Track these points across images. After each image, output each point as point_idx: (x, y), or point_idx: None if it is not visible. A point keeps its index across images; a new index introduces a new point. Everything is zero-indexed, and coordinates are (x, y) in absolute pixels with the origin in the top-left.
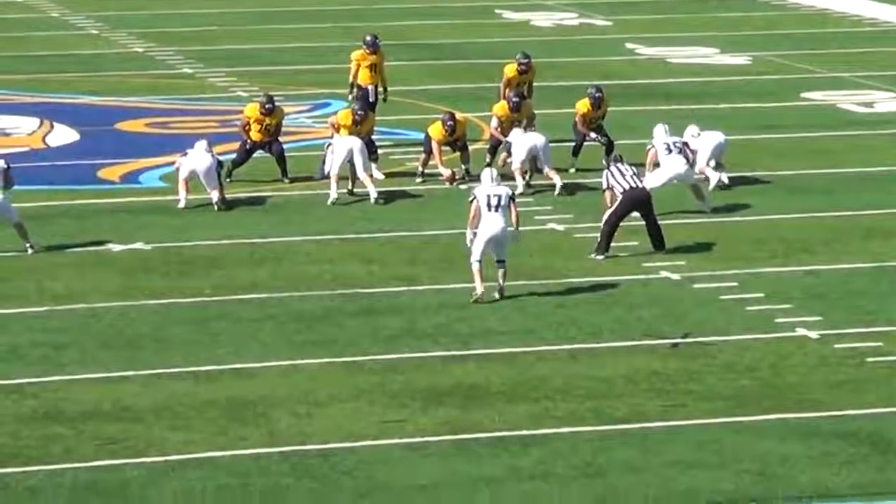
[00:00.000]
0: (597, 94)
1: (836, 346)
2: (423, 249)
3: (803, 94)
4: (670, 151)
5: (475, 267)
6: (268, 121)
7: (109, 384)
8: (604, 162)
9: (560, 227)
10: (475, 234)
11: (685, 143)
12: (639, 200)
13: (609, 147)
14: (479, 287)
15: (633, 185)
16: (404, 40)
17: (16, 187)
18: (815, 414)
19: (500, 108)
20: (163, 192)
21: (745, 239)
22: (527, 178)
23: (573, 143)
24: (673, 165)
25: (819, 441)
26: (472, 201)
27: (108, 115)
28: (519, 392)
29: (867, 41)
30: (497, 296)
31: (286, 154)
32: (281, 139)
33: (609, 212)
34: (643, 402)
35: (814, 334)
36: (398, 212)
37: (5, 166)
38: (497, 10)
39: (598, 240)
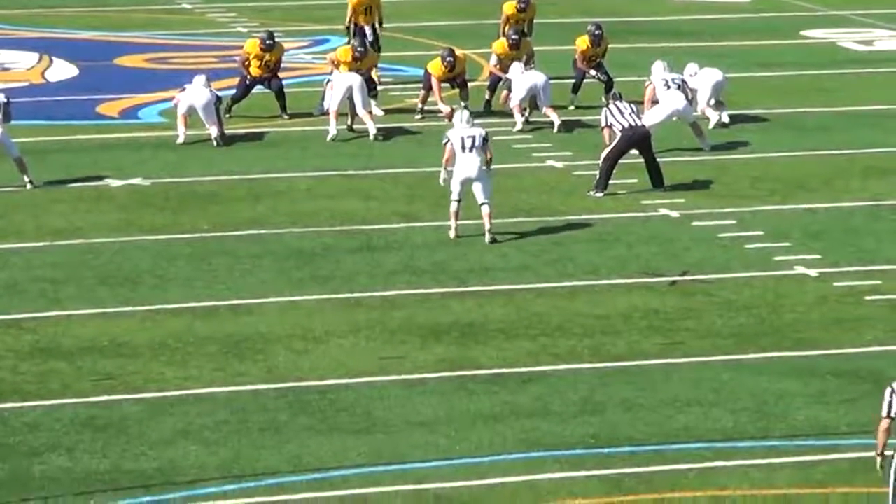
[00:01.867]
0: (596, 32)
1: (835, 284)
2: (422, 186)
3: (803, 32)
4: (669, 88)
5: (453, 207)
6: (268, 57)
7: (107, 320)
8: (603, 99)
9: (559, 165)
10: (450, 174)
11: (684, 81)
12: (638, 138)
13: (608, 84)
14: (453, 228)
15: (632, 123)
16: None
17: (15, 122)
18: (813, 352)
19: (500, 45)
20: (162, 127)
21: (743, 177)
22: (526, 115)
23: (573, 81)
24: (671, 102)
25: (817, 379)
26: (445, 143)
27: (107, 51)
28: (517, 329)
29: None
30: (488, 239)
31: (285, 90)
32: (280, 75)
33: (608, 149)
34: (641, 340)
35: (812, 272)
36: (397, 148)
37: (5, 100)
38: None
39: (598, 177)
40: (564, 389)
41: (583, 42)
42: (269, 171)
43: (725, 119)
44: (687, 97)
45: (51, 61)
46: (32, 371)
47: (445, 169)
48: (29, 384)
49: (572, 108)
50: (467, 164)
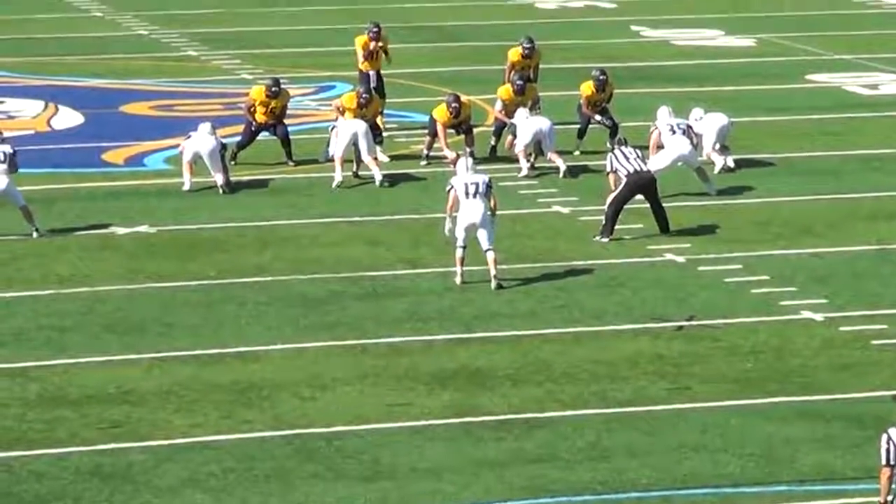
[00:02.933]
0: (601, 77)
1: (841, 328)
2: (428, 232)
3: (808, 77)
4: (674, 133)
5: (458, 254)
6: (273, 103)
7: (114, 367)
8: (608, 145)
9: (564, 210)
10: (454, 221)
11: (689, 126)
12: (643, 184)
13: (613, 130)
14: (459, 275)
15: (638, 169)
16: (410, 22)
17: (21, 170)
18: (819, 397)
19: (505, 91)
20: (167, 174)
21: (749, 221)
22: (531, 161)
23: (578, 126)
24: (676, 147)
25: (823, 424)
26: (449, 190)
27: (112, 98)
28: (523, 375)
29: (872, 23)
30: (494, 285)
31: (291, 136)
32: (286, 121)
33: (613, 195)
34: (647, 385)
35: (818, 317)
36: (403, 194)
37: (11, 151)
38: None
39: (603, 222)
40: (571, 435)
41: (587, 87)
42: (274, 218)
43: (731, 164)
44: (692, 142)
45: (56, 109)
46: (39, 419)
47: (450, 216)
48: (35, 432)
49: (577, 153)
50: (472, 211)
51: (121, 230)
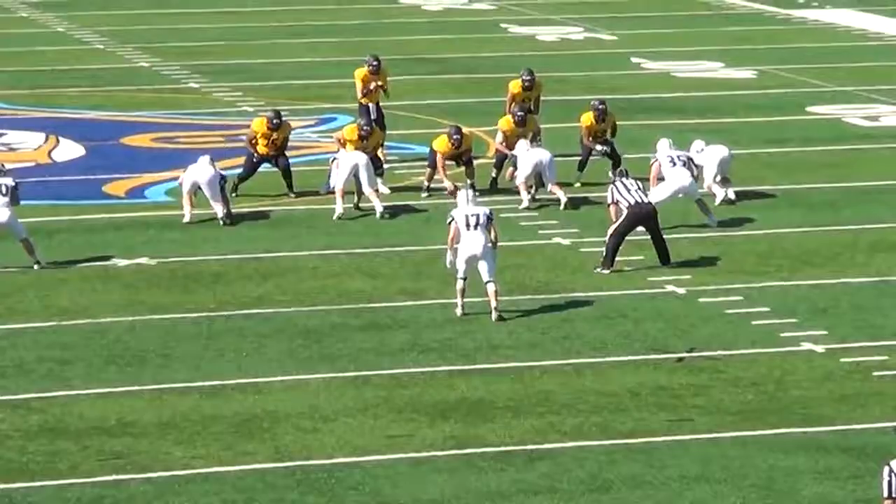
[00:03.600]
0: (600, 107)
1: (842, 360)
2: (429, 264)
3: (809, 108)
4: (674, 165)
5: (459, 285)
6: (275, 135)
7: (115, 399)
8: (610, 175)
9: (565, 242)
10: (455, 253)
11: (689, 158)
12: (644, 215)
13: (615, 161)
14: (459, 306)
15: (639, 200)
16: (411, 55)
17: (22, 202)
18: (820, 428)
19: (505, 122)
20: (168, 206)
21: (750, 253)
22: (532, 192)
23: (579, 158)
24: (677, 179)
25: (825, 455)
26: (450, 223)
27: (113, 130)
28: (524, 406)
29: (872, 55)
30: (495, 317)
31: (292, 168)
32: (287, 153)
33: (614, 227)
34: (649, 417)
35: (819, 348)
36: (404, 226)
37: (13, 184)
38: (503, 25)
39: (604, 254)
40: (572, 467)
41: (587, 118)
42: (275, 249)
43: (731, 196)
44: (692, 174)
45: (57, 141)
46: (40, 451)
47: (451, 248)
48: (36, 464)
49: (578, 185)
50: (472, 243)
51: (122, 262)
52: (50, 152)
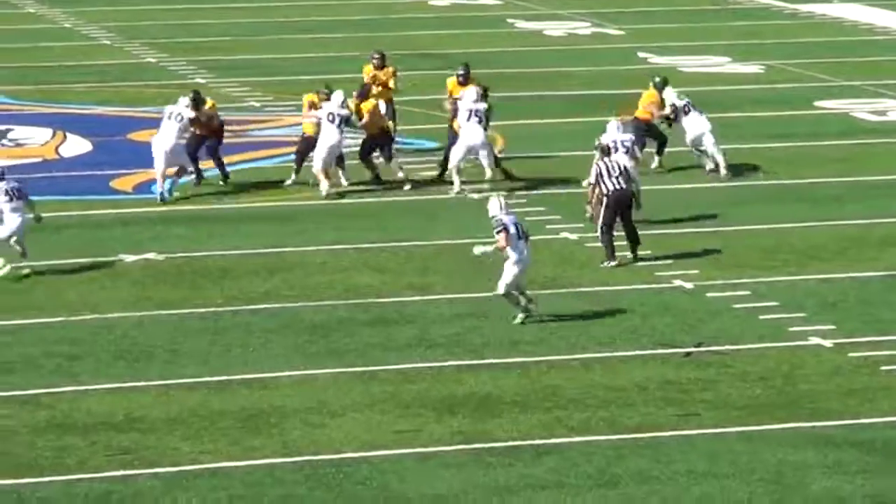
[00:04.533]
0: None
1: (850, 354)
2: (436, 259)
3: (816, 103)
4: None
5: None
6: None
7: (123, 395)
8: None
9: (573, 237)
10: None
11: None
12: (623, 200)
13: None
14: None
15: (617, 187)
16: (418, 50)
17: (30, 198)
18: (829, 422)
19: (451, 83)
20: (175, 202)
21: (758, 248)
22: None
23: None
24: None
25: (833, 450)
26: (500, 231)
27: (120, 126)
28: (532, 401)
29: (880, 50)
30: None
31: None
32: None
33: (601, 219)
34: (656, 412)
35: (827, 343)
36: (411, 222)
37: (17, 185)
38: (510, 20)
39: (604, 249)
40: (580, 462)
41: (652, 95)
42: (282, 245)
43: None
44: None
45: (65, 137)
46: (48, 446)
47: (500, 251)
48: (45, 459)
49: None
50: (525, 254)
51: (129, 257)
52: (57, 148)
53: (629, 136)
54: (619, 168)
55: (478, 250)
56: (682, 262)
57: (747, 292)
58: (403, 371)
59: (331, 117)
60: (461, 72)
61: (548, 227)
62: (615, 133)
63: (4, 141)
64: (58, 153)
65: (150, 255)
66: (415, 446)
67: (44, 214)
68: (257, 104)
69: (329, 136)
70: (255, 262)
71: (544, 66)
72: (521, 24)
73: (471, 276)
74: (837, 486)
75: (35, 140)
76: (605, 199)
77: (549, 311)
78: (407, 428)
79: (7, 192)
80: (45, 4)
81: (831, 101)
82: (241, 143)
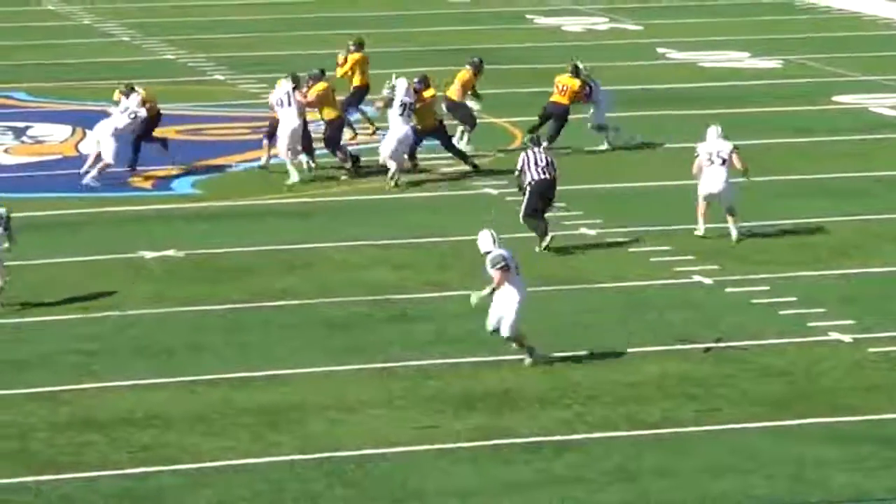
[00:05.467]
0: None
1: (870, 350)
2: (454, 255)
3: (835, 98)
4: (711, 163)
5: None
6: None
7: (143, 391)
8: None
9: (591, 232)
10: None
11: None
12: (545, 188)
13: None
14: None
15: (540, 178)
16: (437, 46)
17: (49, 194)
18: (848, 418)
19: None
20: (195, 198)
21: (777, 243)
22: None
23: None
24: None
25: (853, 445)
26: (501, 267)
27: None
28: (551, 397)
29: None
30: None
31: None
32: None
33: (523, 209)
34: (676, 407)
35: (847, 338)
36: (429, 218)
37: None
38: (528, 16)
39: (536, 234)
40: (599, 457)
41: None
42: (301, 241)
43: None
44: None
45: (84, 134)
46: (68, 443)
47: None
48: (65, 456)
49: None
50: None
51: (148, 254)
52: (77, 145)
53: (728, 146)
54: (546, 159)
55: (475, 298)
56: (701, 257)
57: (766, 287)
58: (422, 367)
59: (401, 108)
60: (475, 60)
61: (566, 222)
62: (715, 140)
63: (24, 138)
64: (77, 150)
65: (170, 252)
66: (434, 442)
67: (62, 211)
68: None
69: (396, 128)
70: (275, 258)
71: (563, 62)
72: (540, 20)
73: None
74: (858, 482)
75: (54, 137)
76: (528, 188)
77: (567, 307)
78: (426, 424)
79: None
80: (64, 1)
81: (849, 95)
82: (259, 139)
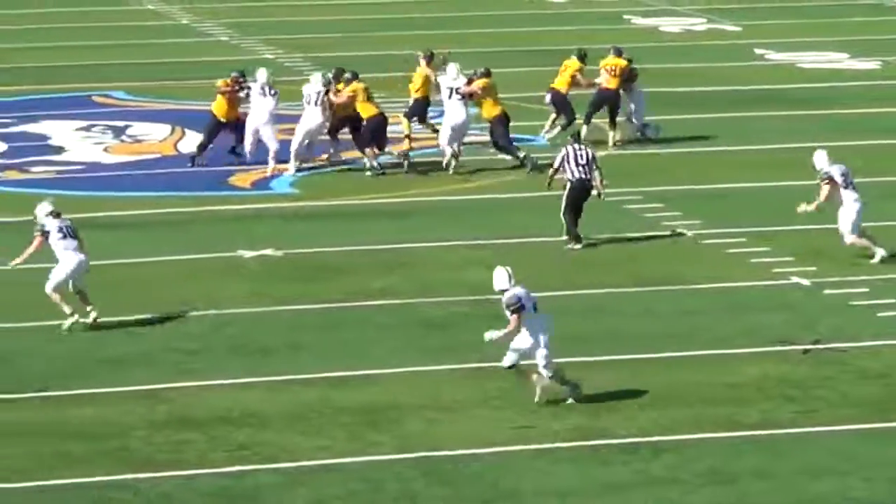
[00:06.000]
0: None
1: None
2: (551, 255)
3: None
4: (846, 187)
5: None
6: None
7: (241, 390)
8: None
9: (688, 233)
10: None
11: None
12: (585, 192)
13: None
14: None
15: (581, 177)
16: (532, 46)
17: (147, 193)
18: None
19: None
20: (293, 198)
21: None
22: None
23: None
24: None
25: None
26: (517, 309)
27: None
28: (649, 398)
29: None
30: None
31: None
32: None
33: (563, 206)
34: (774, 409)
35: None
36: (527, 217)
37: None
38: (626, 17)
39: (569, 234)
40: (697, 459)
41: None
42: (399, 241)
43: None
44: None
45: (183, 133)
46: (166, 441)
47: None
48: (163, 454)
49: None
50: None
51: (247, 253)
52: (176, 144)
53: (847, 168)
54: (588, 155)
55: (488, 336)
56: (799, 258)
57: (865, 289)
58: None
59: (449, 92)
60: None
61: (664, 223)
62: (836, 164)
63: (123, 137)
64: (176, 149)
65: (269, 251)
66: (531, 442)
67: (161, 210)
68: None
69: (454, 114)
70: (373, 258)
71: (660, 62)
72: (638, 21)
73: (585, 272)
74: None
75: (153, 136)
76: (569, 185)
77: (666, 308)
78: (523, 424)
79: (60, 230)
80: (163, 1)
81: None
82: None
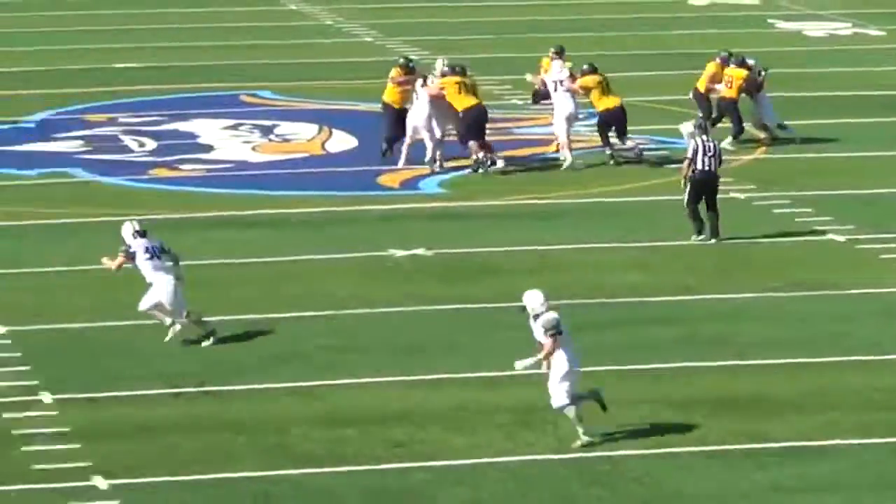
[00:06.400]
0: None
1: None
2: (700, 257)
3: None
4: None
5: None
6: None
7: (395, 388)
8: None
9: (840, 238)
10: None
11: None
12: (709, 183)
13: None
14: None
15: (706, 168)
16: (676, 49)
17: (295, 192)
18: None
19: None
20: (442, 198)
21: None
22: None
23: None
24: None
25: None
26: (554, 335)
27: None
28: (805, 403)
29: None
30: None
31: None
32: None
33: (686, 197)
34: None
35: None
36: (673, 219)
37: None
38: (770, 20)
39: (692, 222)
40: (858, 464)
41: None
42: (546, 242)
43: None
44: None
45: (330, 133)
46: (323, 437)
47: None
48: (321, 450)
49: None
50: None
51: (398, 252)
52: (323, 143)
53: None
54: (714, 148)
55: (520, 365)
56: None
57: None
58: (673, 370)
59: (554, 86)
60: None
61: (815, 227)
62: None
63: (271, 136)
64: (324, 149)
65: (419, 251)
66: (688, 445)
67: (309, 210)
68: (519, 102)
69: (561, 106)
70: (522, 258)
71: (804, 66)
72: (781, 25)
73: (734, 275)
74: None
75: (301, 136)
76: (692, 175)
77: (819, 313)
78: (680, 426)
79: (147, 250)
80: (307, 2)
81: None
82: (504, 140)
